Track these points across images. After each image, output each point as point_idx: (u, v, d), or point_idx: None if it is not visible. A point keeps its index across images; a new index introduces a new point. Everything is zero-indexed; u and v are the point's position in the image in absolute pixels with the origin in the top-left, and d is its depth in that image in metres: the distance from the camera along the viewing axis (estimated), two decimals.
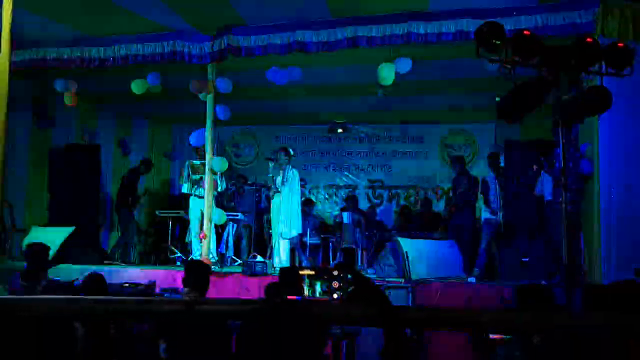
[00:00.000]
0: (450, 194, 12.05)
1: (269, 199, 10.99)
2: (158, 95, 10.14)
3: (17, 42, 7.46)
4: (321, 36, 8.27)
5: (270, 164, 10.19)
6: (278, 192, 9.99)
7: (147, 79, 9.66)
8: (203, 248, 9.33)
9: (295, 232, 10.18)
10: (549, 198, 8.45)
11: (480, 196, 9.78)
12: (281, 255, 9.79)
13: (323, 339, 2.14)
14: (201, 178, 9.97)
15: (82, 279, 6.19)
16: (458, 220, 10.48)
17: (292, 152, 10.41)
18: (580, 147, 7.98)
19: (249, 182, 12.31)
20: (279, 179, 10.00)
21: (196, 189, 10.33)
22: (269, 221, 11.09)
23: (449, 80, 10.44)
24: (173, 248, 11.07)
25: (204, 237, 9.32)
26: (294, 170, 10.24)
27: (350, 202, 12.67)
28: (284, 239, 9.97)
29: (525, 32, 5.33)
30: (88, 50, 9.10)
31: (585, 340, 2.60)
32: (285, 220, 9.94)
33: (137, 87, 9.82)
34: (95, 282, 5.76)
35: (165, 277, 8.53)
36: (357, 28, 8.08)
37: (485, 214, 9.32)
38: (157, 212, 12.05)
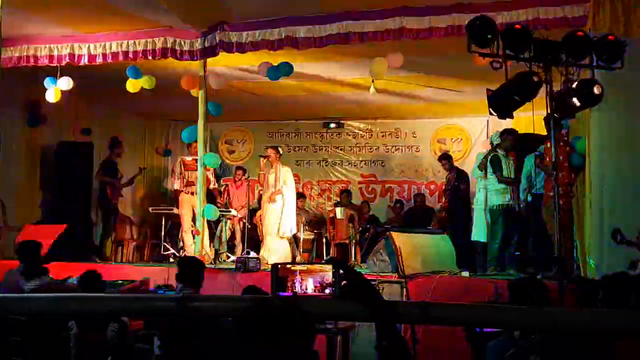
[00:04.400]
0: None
1: (261, 196, 11.05)
2: (150, 92, 10.11)
3: (7, 38, 7.47)
4: (313, 32, 8.26)
5: (264, 162, 10.24)
6: (269, 190, 10.04)
7: (126, 73, 9.62)
8: (196, 244, 9.35)
9: (294, 230, 10.31)
10: (540, 192, 8.44)
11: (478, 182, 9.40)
12: (276, 252, 9.82)
13: (312, 335, 2.14)
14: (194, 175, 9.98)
15: (75, 276, 6.19)
16: (452, 216, 10.48)
17: (281, 151, 10.48)
18: (571, 141, 8.00)
19: (245, 175, 12.30)
20: (271, 178, 10.05)
21: (186, 184, 10.35)
22: (261, 217, 11.12)
23: (440, 74, 10.46)
24: (166, 244, 11.06)
25: (197, 233, 9.33)
26: (286, 168, 10.31)
27: (344, 197, 12.68)
28: (283, 237, 10.08)
29: (516, 26, 5.35)
30: (79, 47, 9.07)
31: (576, 335, 2.62)
32: (288, 219, 10.09)
33: (131, 86, 9.82)
34: (92, 279, 5.76)
35: (159, 273, 8.52)
36: (348, 23, 8.07)
37: (495, 199, 8.80)
38: (149, 209, 12.05)
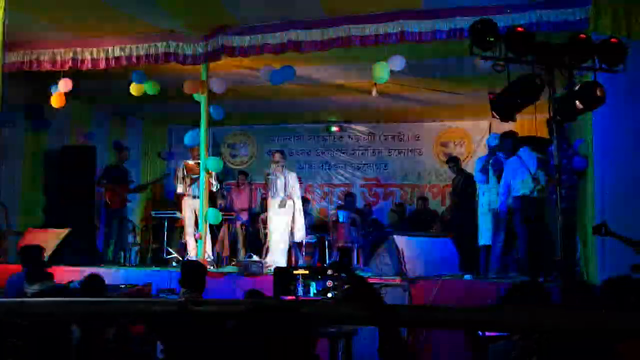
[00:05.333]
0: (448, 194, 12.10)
1: (264, 199, 11.06)
2: (152, 96, 10.13)
3: (10, 43, 7.48)
4: (315, 35, 8.26)
5: (272, 166, 10.23)
6: (278, 195, 10.04)
7: (132, 78, 9.64)
8: (199, 248, 9.34)
9: (304, 234, 10.48)
10: (519, 194, 8.44)
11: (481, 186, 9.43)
12: (278, 255, 9.83)
13: (313, 339, 2.14)
14: (195, 179, 9.98)
15: (78, 281, 6.20)
16: (458, 219, 10.48)
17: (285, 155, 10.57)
18: (573, 144, 8.00)
19: (247, 179, 12.34)
20: (280, 183, 10.05)
21: (189, 187, 10.35)
22: (264, 221, 11.13)
23: (442, 78, 10.45)
24: (169, 248, 11.06)
25: (200, 237, 9.33)
26: (292, 173, 10.34)
27: (346, 201, 12.67)
28: (296, 242, 10.31)
29: (518, 29, 5.34)
30: (81, 51, 9.08)
31: (577, 337, 2.61)
32: (300, 225, 10.19)
33: (135, 90, 9.85)
34: (94, 283, 5.76)
35: (161, 277, 8.53)
36: (350, 27, 8.08)
37: (497, 203, 8.98)
38: (152, 213, 12.05)
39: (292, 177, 10.24)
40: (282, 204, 9.97)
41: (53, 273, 6.77)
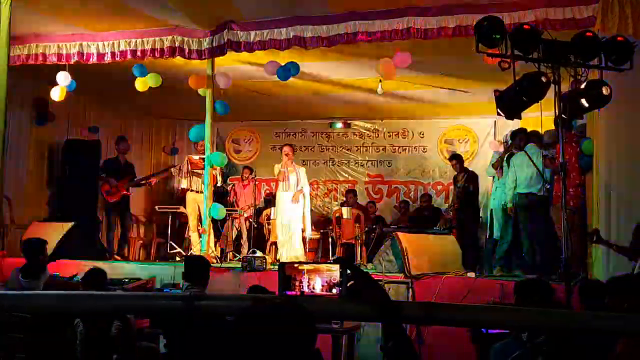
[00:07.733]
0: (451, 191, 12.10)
1: (268, 195, 11.01)
2: (158, 91, 10.13)
3: (15, 37, 7.49)
4: (321, 31, 8.25)
5: (284, 160, 10.19)
6: (290, 190, 10.02)
7: (133, 71, 9.64)
8: (202, 243, 9.35)
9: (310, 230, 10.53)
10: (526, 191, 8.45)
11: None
12: (297, 249, 9.86)
13: (314, 334, 2.13)
14: (200, 174, 9.99)
15: (81, 274, 6.21)
16: (461, 216, 10.49)
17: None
18: (580, 142, 7.98)
19: (252, 174, 12.34)
20: (292, 177, 10.03)
21: (189, 182, 10.38)
22: (268, 216, 11.14)
23: (448, 75, 10.44)
24: (173, 243, 11.08)
25: (203, 232, 9.34)
26: (301, 167, 10.35)
27: (350, 197, 12.67)
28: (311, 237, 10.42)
29: (525, 26, 5.33)
30: (87, 45, 9.08)
31: (582, 336, 2.61)
32: (307, 221, 10.30)
33: (140, 85, 9.86)
34: (96, 277, 5.78)
35: (165, 272, 8.54)
36: (356, 23, 8.06)
37: (508, 198, 8.97)
38: (156, 208, 12.07)
39: (302, 172, 10.23)
40: (296, 199, 9.96)
41: (51, 266, 6.78)
